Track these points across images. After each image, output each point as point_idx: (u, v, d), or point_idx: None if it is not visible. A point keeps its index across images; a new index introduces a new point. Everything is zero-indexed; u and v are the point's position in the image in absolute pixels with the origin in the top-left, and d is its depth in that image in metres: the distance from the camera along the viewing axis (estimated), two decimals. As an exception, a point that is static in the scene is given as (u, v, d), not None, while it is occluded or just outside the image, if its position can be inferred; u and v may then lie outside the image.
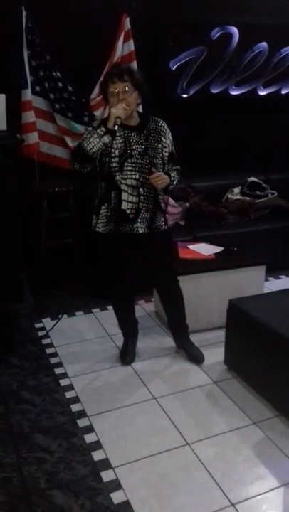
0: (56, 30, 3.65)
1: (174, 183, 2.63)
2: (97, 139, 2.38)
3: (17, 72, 3.59)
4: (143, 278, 2.86)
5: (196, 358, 2.91)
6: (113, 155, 2.47)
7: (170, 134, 2.60)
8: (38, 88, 3.71)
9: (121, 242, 2.62)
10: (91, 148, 2.39)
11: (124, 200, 2.52)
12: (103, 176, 2.55)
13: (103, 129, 2.37)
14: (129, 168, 2.48)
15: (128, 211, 2.53)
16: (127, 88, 2.39)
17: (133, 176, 2.49)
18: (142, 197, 2.53)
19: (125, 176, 2.49)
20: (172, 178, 2.59)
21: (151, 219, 2.59)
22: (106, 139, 2.38)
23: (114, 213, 2.55)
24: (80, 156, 2.44)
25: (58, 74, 3.71)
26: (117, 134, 2.44)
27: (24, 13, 3.51)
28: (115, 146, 2.47)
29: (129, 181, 2.50)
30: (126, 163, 2.48)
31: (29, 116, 3.66)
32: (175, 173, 2.63)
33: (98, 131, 2.38)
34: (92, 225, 2.66)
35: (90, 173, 2.53)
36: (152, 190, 2.55)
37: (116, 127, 2.35)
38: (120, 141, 2.48)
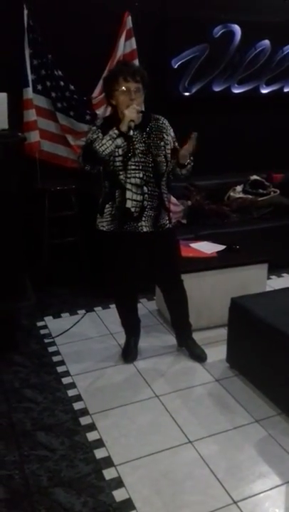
0: (57, 28, 3.65)
1: (192, 164, 2.58)
2: (110, 142, 2.37)
3: (18, 70, 3.59)
4: (145, 276, 2.85)
5: (198, 357, 2.91)
6: (117, 154, 2.46)
7: (172, 130, 2.60)
8: (39, 87, 3.71)
9: (125, 240, 2.62)
10: (104, 151, 2.38)
11: (129, 199, 2.51)
12: (107, 174, 2.55)
13: (116, 131, 2.36)
14: (133, 167, 2.48)
15: (133, 209, 2.53)
16: (139, 88, 2.41)
17: (137, 175, 2.49)
18: (146, 195, 2.52)
19: (129, 175, 2.49)
20: (190, 160, 2.55)
21: (156, 217, 2.58)
22: (119, 141, 2.38)
23: (118, 212, 2.55)
24: (92, 158, 2.43)
25: (60, 72, 3.71)
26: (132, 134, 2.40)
27: (25, 11, 3.52)
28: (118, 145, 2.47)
29: (133, 180, 2.49)
30: (129, 162, 2.47)
31: (31, 115, 3.67)
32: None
33: (111, 133, 2.37)
34: (96, 223, 2.66)
35: (98, 173, 2.53)
36: (157, 188, 2.54)
37: (131, 132, 2.35)
38: (123, 139, 2.47)
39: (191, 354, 2.94)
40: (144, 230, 2.57)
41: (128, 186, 2.50)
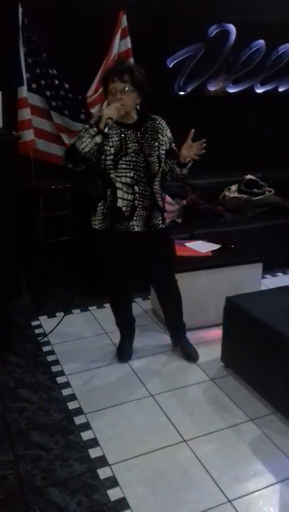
0: (53, 27, 3.64)
1: (191, 162, 2.55)
2: (89, 139, 2.38)
3: (13, 69, 3.57)
4: (140, 276, 2.85)
5: (190, 357, 2.91)
6: (108, 153, 2.46)
7: (168, 131, 2.59)
8: (34, 85, 3.70)
9: (117, 239, 2.62)
10: (83, 148, 2.39)
11: (120, 198, 2.51)
12: (100, 173, 2.54)
13: (95, 129, 2.37)
14: (124, 166, 2.47)
15: (123, 209, 2.52)
16: (126, 89, 2.39)
17: (128, 174, 2.48)
18: (137, 195, 2.52)
19: (120, 174, 2.48)
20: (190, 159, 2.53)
21: (148, 217, 2.58)
22: (98, 139, 2.38)
23: (110, 211, 2.55)
24: (73, 155, 2.44)
25: (55, 71, 3.70)
26: (114, 132, 2.44)
27: (20, 10, 3.50)
28: (111, 144, 2.46)
29: (123, 179, 2.49)
30: (120, 161, 2.47)
31: (25, 114, 3.65)
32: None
33: (90, 131, 2.38)
34: (90, 221, 2.65)
35: (84, 171, 2.52)
36: (148, 188, 2.54)
37: (107, 129, 2.36)
38: (116, 139, 2.47)
39: (184, 354, 2.94)
40: (136, 229, 2.56)
41: (119, 185, 2.50)
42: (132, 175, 2.48)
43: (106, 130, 2.36)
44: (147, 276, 2.92)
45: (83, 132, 2.44)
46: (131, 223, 2.55)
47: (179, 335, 2.99)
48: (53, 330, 3.21)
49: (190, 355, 2.91)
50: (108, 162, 2.47)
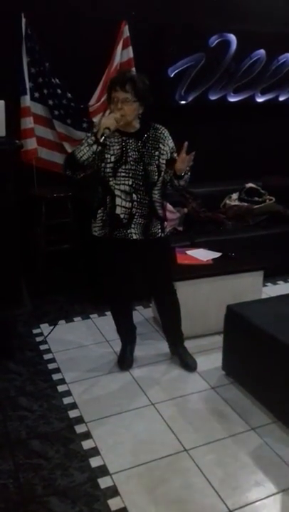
0: (55, 37, 3.68)
1: (189, 174, 2.56)
2: (87, 148, 2.41)
3: (16, 78, 3.61)
4: (141, 284, 2.85)
5: (188, 366, 2.89)
6: (108, 161, 2.49)
7: (171, 141, 2.60)
8: (36, 94, 3.73)
9: (116, 247, 2.63)
10: (81, 157, 2.42)
11: (118, 205, 2.53)
12: (100, 180, 2.56)
13: (93, 138, 2.40)
14: (123, 174, 2.49)
15: (122, 216, 2.54)
16: (127, 98, 2.41)
17: (126, 182, 2.50)
18: (135, 203, 2.53)
19: (118, 182, 2.50)
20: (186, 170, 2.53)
21: (146, 225, 2.58)
22: (94, 147, 2.41)
23: (108, 218, 2.56)
24: (72, 163, 2.47)
25: (57, 81, 3.73)
26: (115, 140, 2.47)
27: (24, 20, 3.54)
28: (112, 153, 2.48)
29: (122, 187, 2.51)
30: (120, 169, 2.49)
31: (28, 122, 3.68)
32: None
33: (89, 140, 2.41)
34: (91, 229, 2.67)
35: (82, 179, 2.54)
36: (147, 196, 2.55)
37: (102, 139, 2.38)
38: (117, 147, 2.49)
39: (182, 363, 2.92)
40: (134, 237, 2.57)
41: (117, 193, 2.52)
42: (130, 183, 2.50)
43: (101, 140, 2.38)
44: (147, 285, 2.93)
45: (84, 141, 2.47)
46: (129, 231, 2.56)
47: (176, 344, 2.98)
48: (49, 334, 3.23)
49: (188, 364, 2.90)
50: (108, 170, 2.49)
